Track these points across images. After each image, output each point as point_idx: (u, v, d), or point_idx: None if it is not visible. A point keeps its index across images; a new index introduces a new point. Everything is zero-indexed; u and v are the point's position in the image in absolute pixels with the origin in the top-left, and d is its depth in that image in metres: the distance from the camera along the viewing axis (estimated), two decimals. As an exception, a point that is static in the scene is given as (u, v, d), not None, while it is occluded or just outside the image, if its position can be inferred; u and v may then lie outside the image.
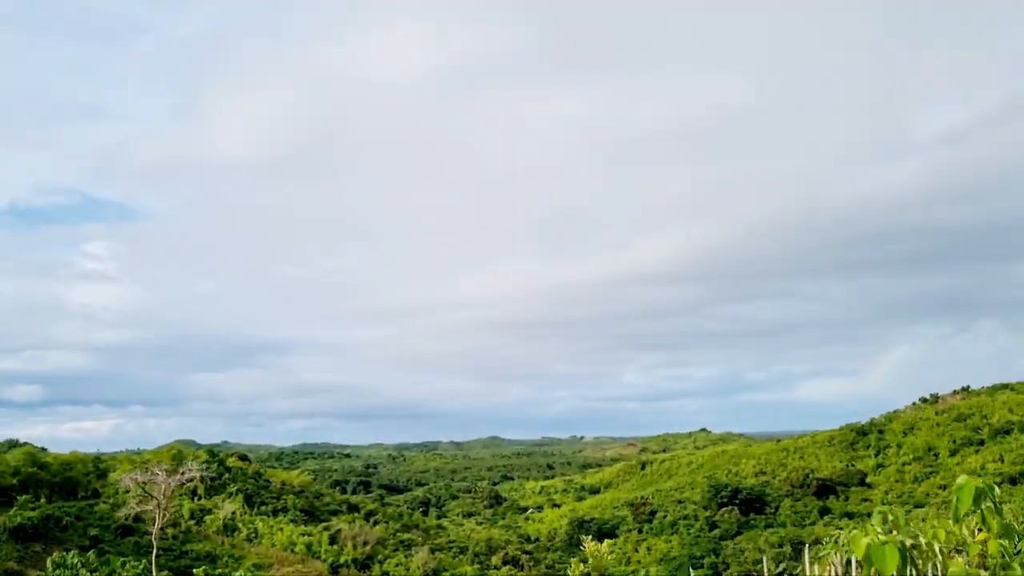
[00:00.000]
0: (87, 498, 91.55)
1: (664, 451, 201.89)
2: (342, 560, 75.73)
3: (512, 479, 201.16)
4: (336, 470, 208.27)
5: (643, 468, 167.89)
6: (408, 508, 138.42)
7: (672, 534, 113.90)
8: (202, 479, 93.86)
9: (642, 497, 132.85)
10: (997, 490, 5.98)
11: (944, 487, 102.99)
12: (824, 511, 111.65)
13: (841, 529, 6.94)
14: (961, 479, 5.98)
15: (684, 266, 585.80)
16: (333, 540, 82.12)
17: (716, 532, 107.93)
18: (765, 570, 11.25)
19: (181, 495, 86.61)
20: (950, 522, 6.26)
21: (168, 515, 46.57)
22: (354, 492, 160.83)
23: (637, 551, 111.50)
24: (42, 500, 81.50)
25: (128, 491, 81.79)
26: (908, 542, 5.83)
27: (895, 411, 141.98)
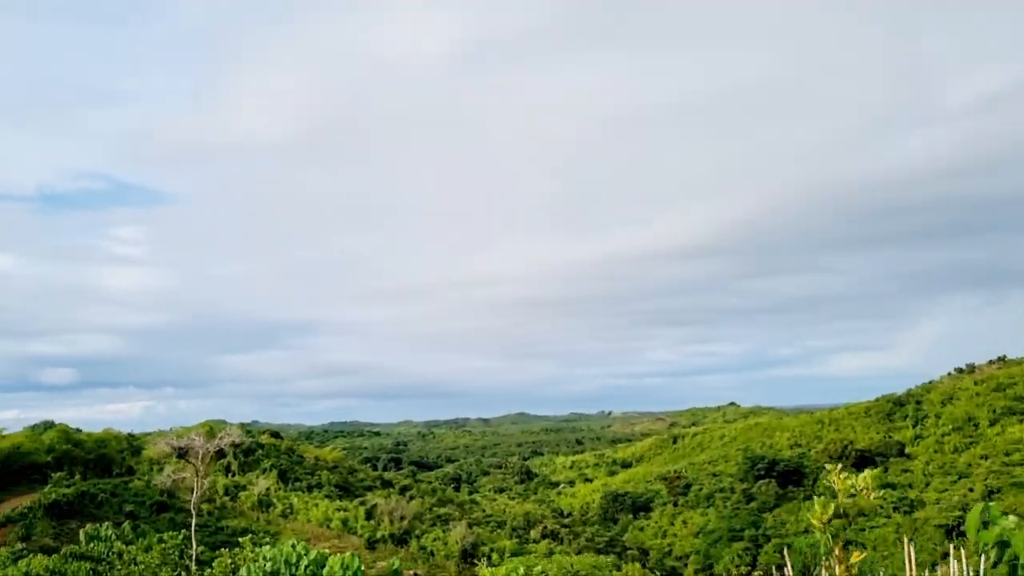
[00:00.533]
0: (121, 475, 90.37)
1: (694, 425, 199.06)
2: (379, 535, 73.87)
3: (542, 454, 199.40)
4: (366, 448, 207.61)
5: (675, 442, 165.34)
6: (440, 484, 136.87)
7: (708, 507, 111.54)
8: (235, 455, 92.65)
9: (676, 471, 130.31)
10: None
11: (985, 457, 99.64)
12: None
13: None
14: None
15: (709, 241, 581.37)
16: (369, 515, 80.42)
17: (754, 504, 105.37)
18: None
19: (216, 471, 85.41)
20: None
21: (205, 484, 44.89)
22: (385, 469, 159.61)
23: (673, 524, 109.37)
24: (77, 477, 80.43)
25: (162, 463, 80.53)
26: None
27: (931, 382, 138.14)
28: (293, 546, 19.61)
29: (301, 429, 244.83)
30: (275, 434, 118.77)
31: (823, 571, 6.32)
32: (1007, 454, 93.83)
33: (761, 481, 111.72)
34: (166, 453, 65.88)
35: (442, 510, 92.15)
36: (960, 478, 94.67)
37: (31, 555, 49.22)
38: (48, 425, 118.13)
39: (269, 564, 18.63)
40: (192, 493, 34.61)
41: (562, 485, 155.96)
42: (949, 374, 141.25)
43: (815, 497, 6.50)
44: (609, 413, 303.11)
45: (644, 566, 75.67)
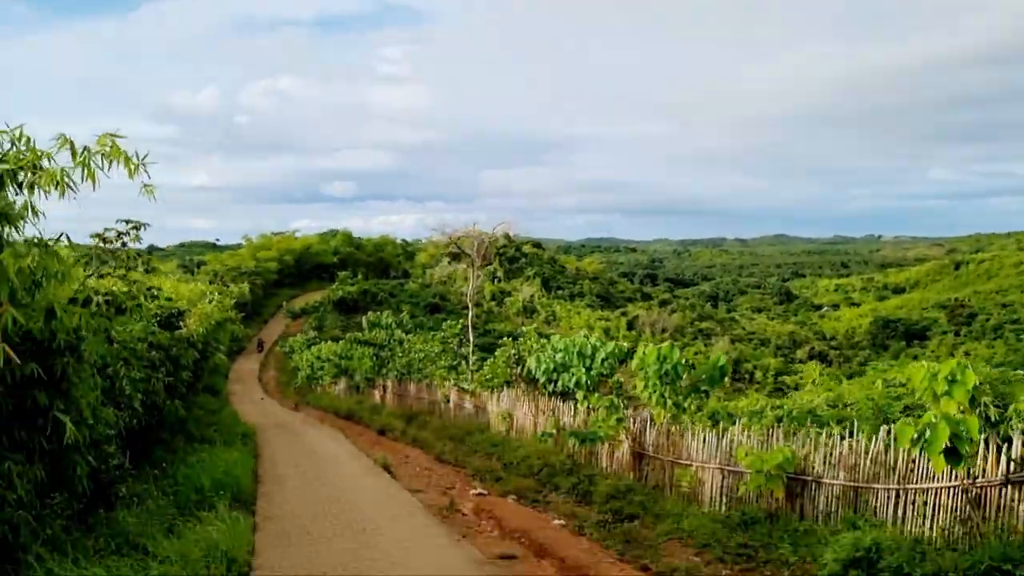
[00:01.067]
0: (397, 278, 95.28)
1: (978, 252, 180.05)
2: (641, 345, 72.52)
3: (803, 276, 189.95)
4: (622, 263, 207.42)
5: (957, 268, 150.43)
6: (697, 301, 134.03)
7: (996, 339, 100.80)
8: (501, 262, 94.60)
9: (958, 299, 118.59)
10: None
11: None
12: None
13: None
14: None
15: (1014, 46, 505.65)
16: (631, 326, 79.70)
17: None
18: None
19: (481, 278, 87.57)
20: None
21: (480, 278, 44.84)
22: (641, 284, 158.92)
23: (952, 355, 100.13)
24: (359, 277, 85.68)
25: (436, 262, 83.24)
26: None
27: None
28: (586, 336, 17.51)
29: (558, 243, 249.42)
30: (536, 244, 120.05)
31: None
32: None
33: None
34: (442, 250, 67.59)
35: (703, 324, 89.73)
36: None
37: (322, 342, 52.56)
38: (334, 233, 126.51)
39: (560, 354, 16.67)
40: (467, 288, 34.07)
41: (825, 308, 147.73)
42: None
43: None
44: (878, 237, 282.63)
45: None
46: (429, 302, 79.66)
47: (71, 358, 9.15)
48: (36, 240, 6.40)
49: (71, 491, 9.43)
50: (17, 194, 6.32)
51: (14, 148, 6.24)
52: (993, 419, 7.90)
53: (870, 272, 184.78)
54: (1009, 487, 7.73)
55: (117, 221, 10.49)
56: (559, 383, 15.14)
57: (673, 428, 12.45)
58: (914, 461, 8.78)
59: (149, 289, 16.25)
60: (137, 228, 10.61)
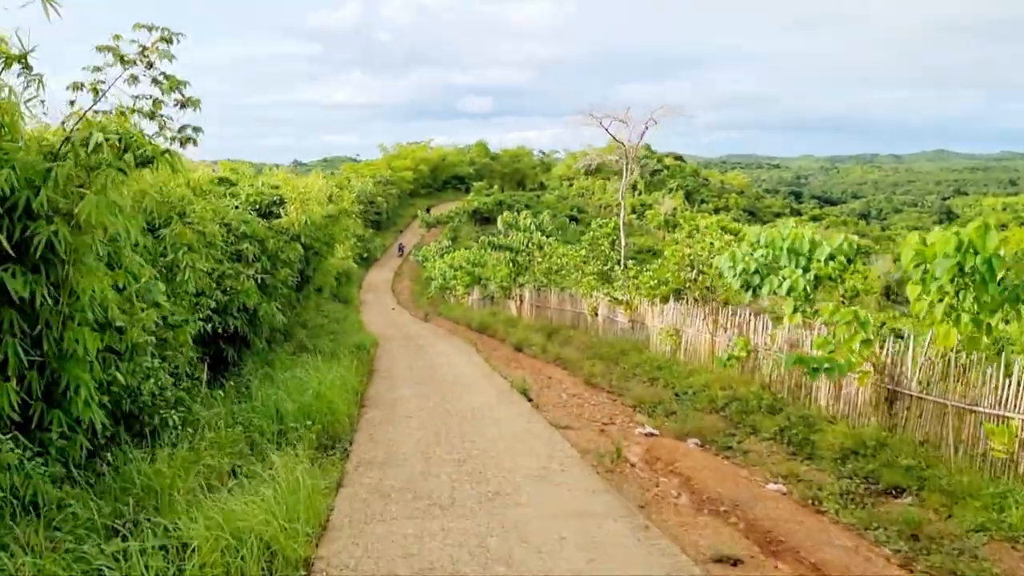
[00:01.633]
0: (534, 190, 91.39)
1: None
2: (794, 262, 66.47)
3: (966, 194, 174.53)
4: (765, 180, 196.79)
5: None
6: (849, 218, 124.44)
7: None
8: (641, 174, 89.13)
9: None
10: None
11: None
12: None
13: None
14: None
15: None
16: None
17: None
18: None
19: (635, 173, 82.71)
20: None
21: (635, 171, 40.72)
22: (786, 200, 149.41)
23: None
24: (495, 188, 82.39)
25: (572, 178, 78.80)
26: None
27: None
28: (795, 224, 13.26)
29: (697, 160, 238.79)
30: (678, 157, 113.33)
31: None
32: None
33: None
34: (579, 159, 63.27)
35: (860, 242, 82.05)
36: None
37: (455, 249, 49.68)
38: (469, 148, 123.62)
39: (763, 252, 12.45)
40: (621, 185, 30.25)
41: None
42: None
43: None
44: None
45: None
46: (567, 214, 75.61)
47: (61, 224, 5.81)
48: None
49: (70, 424, 6.18)
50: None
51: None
52: None
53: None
54: None
55: (135, 27, 6.86)
56: (762, 289, 10.92)
57: (968, 358, 8.14)
58: None
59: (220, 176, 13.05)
60: (168, 40, 6.95)
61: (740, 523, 7.20)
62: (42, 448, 5.94)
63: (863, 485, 8.04)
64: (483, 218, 71.14)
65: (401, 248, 65.54)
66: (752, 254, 11.11)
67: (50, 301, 5.75)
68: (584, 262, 23.77)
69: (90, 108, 6.52)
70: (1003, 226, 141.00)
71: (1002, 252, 7.19)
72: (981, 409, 7.86)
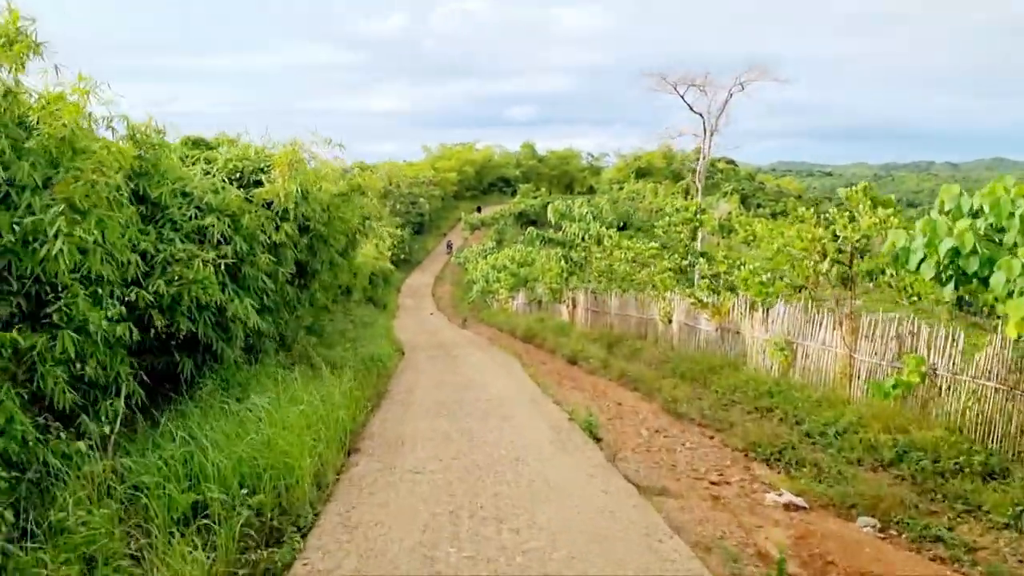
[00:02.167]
0: (583, 193, 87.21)
1: None
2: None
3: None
4: (817, 188, 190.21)
5: None
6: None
7: None
8: (694, 178, 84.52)
9: None
10: None
11: None
12: None
13: None
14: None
15: None
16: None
17: None
18: None
19: (673, 192, 78.64)
20: None
21: (710, 148, 36.74)
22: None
23: None
24: (542, 190, 78.40)
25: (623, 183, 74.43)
26: None
27: None
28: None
29: (748, 168, 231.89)
30: (730, 161, 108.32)
31: None
32: None
33: None
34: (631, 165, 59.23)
35: (928, 250, 76.58)
36: None
37: (499, 250, 45.81)
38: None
39: (985, 220, 8.28)
40: (697, 166, 26.46)
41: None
42: None
43: None
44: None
45: None
46: (617, 220, 71.33)
47: None
48: None
49: None
50: None
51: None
52: None
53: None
54: None
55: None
56: (990, 280, 6.81)
57: None
58: None
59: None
60: None
61: None
62: None
63: None
64: (529, 221, 67.19)
65: (450, 245, 63.00)
66: (962, 226, 6.98)
67: None
68: (655, 255, 19.55)
69: None
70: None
71: None
72: None
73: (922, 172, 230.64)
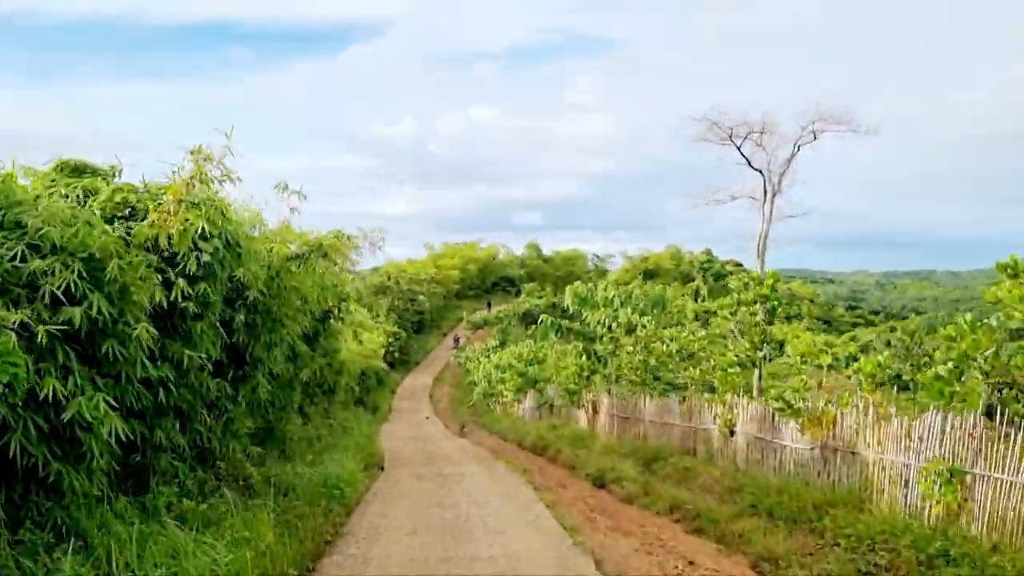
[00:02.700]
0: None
1: None
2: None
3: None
4: (820, 295, 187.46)
5: None
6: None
7: None
8: (704, 277, 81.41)
9: None
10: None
11: None
12: None
13: None
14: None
15: None
16: (864, 350, 64.42)
17: None
18: None
19: (683, 294, 75.32)
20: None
21: (771, 214, 33.42)
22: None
23: None
24: (547, 290, 75.09)
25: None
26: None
27: None
28: None
29: (752, 272, 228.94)
30: (738, 264, 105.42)
31: None
32: None
33: None
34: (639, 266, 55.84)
35: (949, 356, 72.53)
36: None
37: (502, 349, 41.87)
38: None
39: None
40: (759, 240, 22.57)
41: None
42: None
43: None
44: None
45: None
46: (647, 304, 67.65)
47: None
48: None
49: None
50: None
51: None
52: None
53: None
54: None
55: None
56: None
57: None
58: None
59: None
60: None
61: None
62: None
63: None
64: (534, 320, 63.56)
65: (456, 340, 60.33)
66: None
67: None
68: (708, 345, 15.51)
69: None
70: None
71: None
72: None
73: (924, 280, 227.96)
